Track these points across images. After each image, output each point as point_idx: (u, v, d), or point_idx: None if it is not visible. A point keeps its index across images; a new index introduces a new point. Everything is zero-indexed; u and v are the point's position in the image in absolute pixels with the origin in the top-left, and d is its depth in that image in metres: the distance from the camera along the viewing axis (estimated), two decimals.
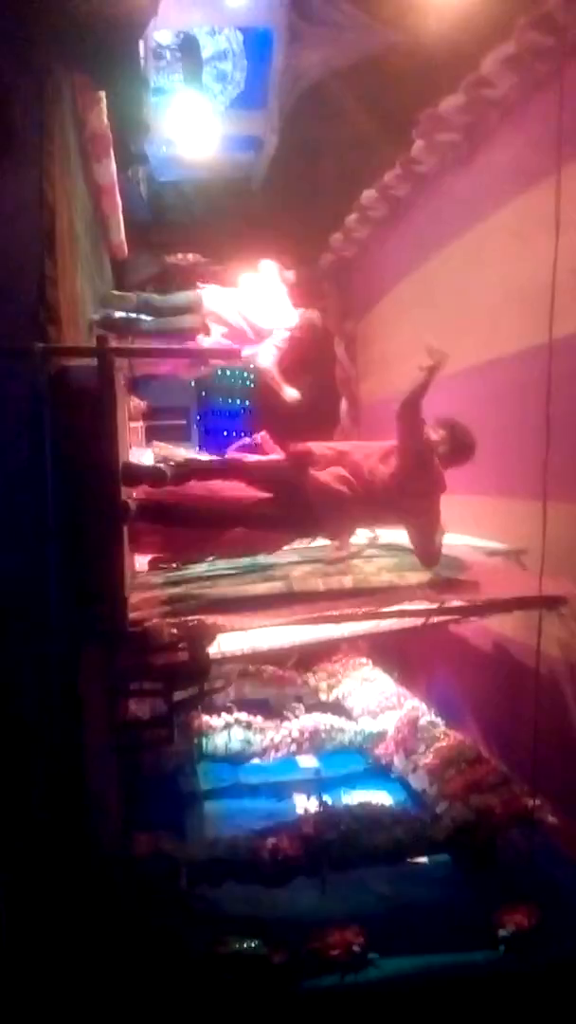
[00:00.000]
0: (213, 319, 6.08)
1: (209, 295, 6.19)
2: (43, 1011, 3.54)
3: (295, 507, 4.18)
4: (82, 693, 3.78)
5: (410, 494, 4.17)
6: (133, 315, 5.98)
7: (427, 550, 4.27)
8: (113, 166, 5.91)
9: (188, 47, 8.60)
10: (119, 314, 5.86)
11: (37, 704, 3.52)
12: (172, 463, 4.21)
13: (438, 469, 4.24)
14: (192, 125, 8.41)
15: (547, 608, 4.25)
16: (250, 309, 6.26)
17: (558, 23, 4.34)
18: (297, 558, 4.62)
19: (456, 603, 4.43)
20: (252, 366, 6.57)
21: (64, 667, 3.63)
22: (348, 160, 7.77)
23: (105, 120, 5.30)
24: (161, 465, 4.12)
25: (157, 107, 8.46)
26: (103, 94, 5.06)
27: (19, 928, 3.49)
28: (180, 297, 6.31)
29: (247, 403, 11.54)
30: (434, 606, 4.38)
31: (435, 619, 4.72)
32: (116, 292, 6.37)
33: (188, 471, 4.22)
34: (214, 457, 4.84)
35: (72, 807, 3.74)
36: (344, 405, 9.09)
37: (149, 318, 6.05)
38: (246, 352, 6.18)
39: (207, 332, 6.08)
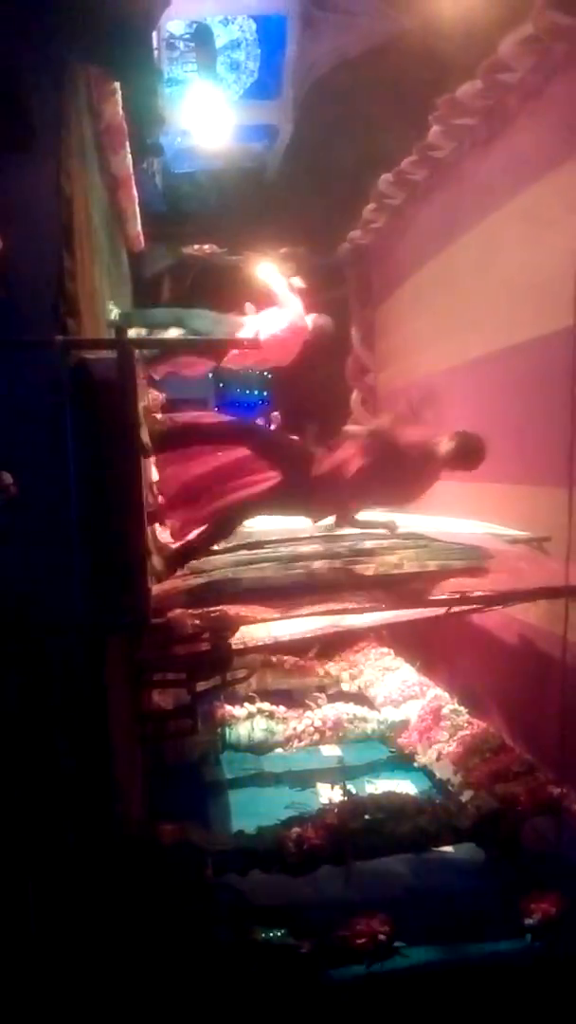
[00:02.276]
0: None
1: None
2: (71, 998, 3.57)
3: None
4: (106, 684, 3.79)
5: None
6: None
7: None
8: (129, 158, 5.91)
9: (201, 37, 8.58)
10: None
11: (62, 695, 3.54)
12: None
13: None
14: (206, 115, 8.40)
15: (573, 597, 4.22)
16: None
17: None
18: (318, 547, 4.61)
19: (479, 592, 4.40)
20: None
21: (89, 658, 3.65)
22: (364, 148, 7.72)
23: (120, 112, 5.29)
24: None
25: (171, 98, 8.45)
26: (118, 85, 5.05)
27: (47, 917, 3.51)
28: (206, 323, 6.24)
29: (264, 394, 11.54)
30: (457, 595, 4.37)
31: (458, 608, 4.70)
32: (133, 312, 6.33)
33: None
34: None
35: (97, 796, 3.76)
36: (356, 396, 9.06)
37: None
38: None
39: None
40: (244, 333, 5.87)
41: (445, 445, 4.42)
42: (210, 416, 4.67)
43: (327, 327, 6.37)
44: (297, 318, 6.03)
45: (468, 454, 4.45)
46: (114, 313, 5.51)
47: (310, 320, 6.15)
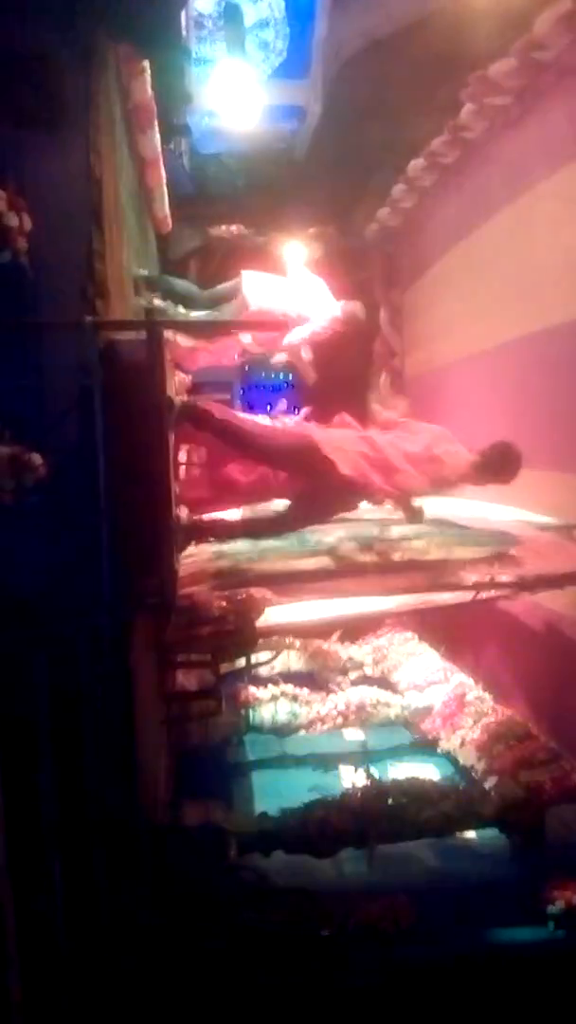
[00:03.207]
0: (257, 313, 5.98)
1: (251, 284, 6.05)
2: (97, 978, 3.60)
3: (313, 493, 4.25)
4: (132, 665, 3.81)
5: None
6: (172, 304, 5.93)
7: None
8: (157, 138, 5.87)
9: (230, 15, 8.47)
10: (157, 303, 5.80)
11: (89, 676, 3.55)
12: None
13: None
14: (234, 95, 8.30)
15: None
16: (294, 297, 6.13)
17: None
18: (345, 533, 4.60)
19: (507, 578, 4.37)
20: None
21: (115, 639, 3.66)
22: (393, 128, 7.62)
23: (149, 91, 5.25)
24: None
25: (199, 78, 8.38)
26: (147, 64, 5.01)
27: (73, 894, 3.55)
28: (220, 290, 6.21)
29: (290, 377, 11.47)
30: (485, 580, 4.34)
31: (485, 594, 4.67)
32: (160, 276, 6.31)
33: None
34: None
35: (123, 777, 3.78)
36: (384, 378, 9.00)
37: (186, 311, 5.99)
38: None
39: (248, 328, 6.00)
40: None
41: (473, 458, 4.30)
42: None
43: (359, 313, 6.29)
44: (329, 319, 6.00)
45: (502, 467, 4.32)
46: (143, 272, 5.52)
47: (340, 308, 6.10)
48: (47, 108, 3.62)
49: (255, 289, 6.02)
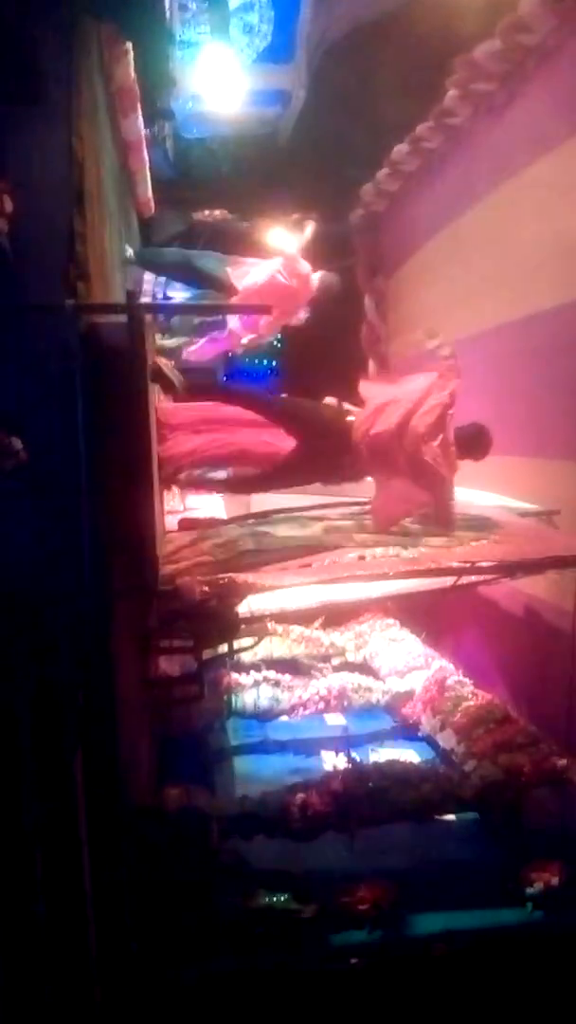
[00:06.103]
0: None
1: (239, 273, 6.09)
2: (75, 964, 3.61)
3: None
4: (114, 650, 3.81)
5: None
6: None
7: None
8: (140, 121, 5.84)
9: None
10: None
11: (70, 661, 3.55)
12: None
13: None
14: (218, 79, 8.25)
15: None
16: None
17: None
18: (331, 517, 4.61)
19: (488, 563, 4.39)
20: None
21: (97, 624, 3.65)
22: (378, 114, 7.60)
23: (132, 74, 5.21)
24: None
25: (183, 61, 8.32)
26: (130, 46, 4.97)
27: (53, 879, 3.55)
28: (212, 262, 6.22)
29: (274, 363, 11.46)
30: (466, 565, 4.35)
31: (466, 579, 4.69)
32: (153, 247, 6.33)
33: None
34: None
35: (104, 762, 3.78)
36: (372, 365, 9.02)
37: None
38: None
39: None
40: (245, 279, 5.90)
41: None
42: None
43: (333, 284, 6.33)
44: (298, 273, 6.02)
45: (473, 446, 4.31)
46: (129, 252, 5.53)
47: (316, 277, 6.13)
48: (28, 87, 3.58)
49: (241, 276, 6.04)
